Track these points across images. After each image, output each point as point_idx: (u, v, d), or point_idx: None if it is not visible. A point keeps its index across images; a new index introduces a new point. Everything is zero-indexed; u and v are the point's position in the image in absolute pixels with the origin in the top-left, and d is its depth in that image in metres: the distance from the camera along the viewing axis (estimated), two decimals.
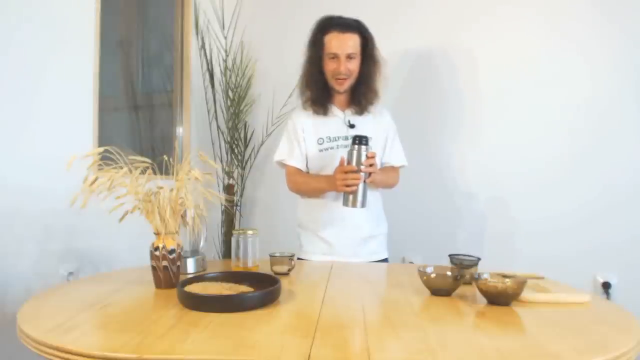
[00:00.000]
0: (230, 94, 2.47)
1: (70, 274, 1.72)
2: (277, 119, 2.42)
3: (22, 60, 1.60)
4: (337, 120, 1.67)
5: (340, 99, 1.68)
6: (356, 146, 1.46)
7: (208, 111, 2.47)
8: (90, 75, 1.85)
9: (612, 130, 1.95)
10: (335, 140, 1.66)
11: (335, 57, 1.59)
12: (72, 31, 1.78)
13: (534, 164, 2.06)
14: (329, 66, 1.62)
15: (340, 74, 1.60)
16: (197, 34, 2.43)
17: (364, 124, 1.66)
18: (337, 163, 1.62)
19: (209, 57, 2.43)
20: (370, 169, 1.46)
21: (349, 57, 1.59)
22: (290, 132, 1.70)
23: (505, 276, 1.11)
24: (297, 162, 1.67)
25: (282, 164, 1.72)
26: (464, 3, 2.17)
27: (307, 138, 1.67)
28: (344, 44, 1.58)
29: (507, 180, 2.10)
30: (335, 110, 1.69)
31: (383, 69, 1.66)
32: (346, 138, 1.65)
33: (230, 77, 2.47)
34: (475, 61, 2.16)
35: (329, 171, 1.64)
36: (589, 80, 1.98)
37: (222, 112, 2.50)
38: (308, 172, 1.69)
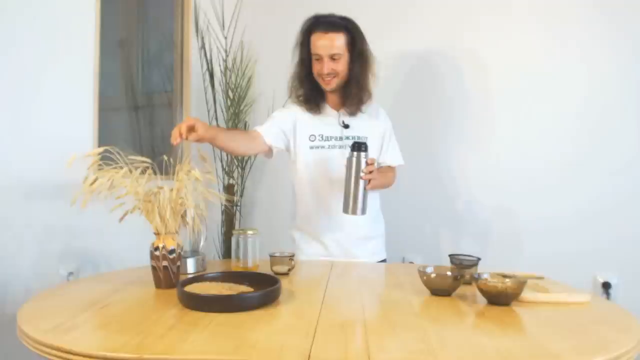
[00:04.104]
0: (230, 94, 2.47)
1: (70, 274, 1.72)
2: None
3: (22, 60, 1.60)
4: (332, 120, 1.66)
5: (333, 99, 1.67)
6: (355, 153, 1.45)
7: (208, 111, 2.47)
8: (90, 75, 1.85)
9: (613, 131, 1.94)
10: (328, 140, 1.65)
11: (319, 58, 1.57)
12: (72, 31, 1.78)
13: (534, 164, 2.06)
14: (315, 67, 1.60)
15: (323, 74, 1.58)
16: (197, 34, 2.43)
17: (359, 124, 1.65)
18: (331, 164, 1.62)
19: (209, 57, 2.43)
20: (370, 176, 1.45)
21: (333, 57, 1.56)
22: (277, 111, 1.70)
23: (505, 276, 1.11)
24: (263, 129, 1.61)
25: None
26: (465, 5, 2.17)
27: (298, 132, 1.65)
28: (326, 45, 1.55)
29: (508, 181, 2.10)
30: (329, 109, 1.68)
31: (374, 66, 1.63)
32: (340, 139, 1.64)
33: (230, 77, 2.47)
34: (476, 63, 2.16)
35: (323, 172, 1.63)
36: (589, 81, 1.98)
37: (222, 112, 2.50)
38: (260, 136, 1.60)
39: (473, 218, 2.17)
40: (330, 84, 1.60)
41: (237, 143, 1.57)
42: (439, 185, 2.24)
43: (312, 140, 1.64)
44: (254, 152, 1.67)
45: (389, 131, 1.73)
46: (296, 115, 1.66)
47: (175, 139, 1.27)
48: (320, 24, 1.58)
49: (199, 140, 1.34)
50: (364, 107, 1.66)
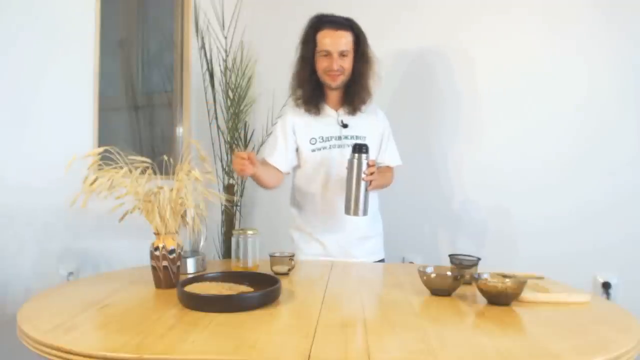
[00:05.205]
0: (230, 94, 2.47)
1: (70, 274, 1.72)
2: (277, 119, 2.41)
3: (23, 60, 1.60)
4: (330, 120, 1.66)
5: (333, 98, 1.67)
6: (356, 155, 1.45)
7: (208, 111, 2.47)
8: (90, 75, 1.85)
9: (612, 130, 1.94)
10: (328, 140, 1.65)
11: (328, 54, 1.58)
12: (72, 31, 1.78)
13: (533, 164, 2.06)
14: (322, 63, 1.60)
15: (332, 70, 1.59)
16: (197, 34, 2.43)
17: (358, 124, 1.66)
18: (330, 164, 1.63)
19: (209, 57, 2.43)
20: (371, 177, 1.46)
21: (342, 54, 1.58)
22: (278, 130, 1.68)
23: (505, 276, 1.11)
24: (275, 160, 1.64)
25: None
26: (464, 5, 2.17)
27: (299, 138, 1.65)
28: (336, 41, 1.57)
29: (507, 180, 2.10)
30: (328, 109, 1.68)
31: (376, 67, 1.65)
32: (339, 138, 1.64)
33: (230, 77, 2.47)
34: (475, 63, 2.16)
35: (322, 172, 1.64)
36: (587, 80, 1.98)
37: (222, 112, 2.50)
38: (278, 171, 1.65)
39: (473, 218, 2.17)
40: (336, 80, 1.61)
41: (269, 179, 1.61)
42: (439, 185, 2.24)
43: (313, 144, 1.65)
44: (279, 184, 1.68)
45: (387, 131, 1.73)
46: (293, 121, 1.67)
47: (243, 170, 1.41)
48: (328, 21, 1.59)
49: (254, 173, 1.47)
50: (363, 107, 1.66)
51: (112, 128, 2.12)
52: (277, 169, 1.64)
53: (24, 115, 1.60)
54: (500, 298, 1.05)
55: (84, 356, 0.75)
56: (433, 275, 1.17)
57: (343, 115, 1.67)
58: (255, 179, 1.55)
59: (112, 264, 1.82)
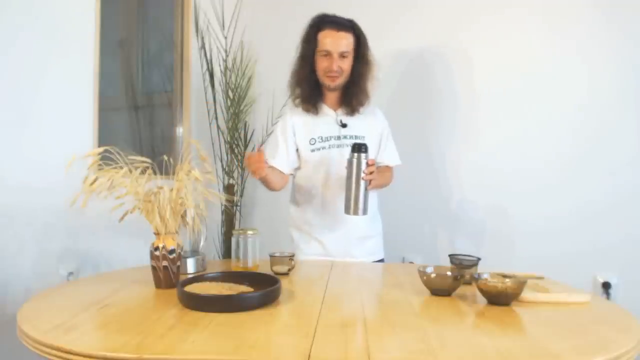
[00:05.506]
0: (230, 94, 2.47)
1: (70, 274, 1.72)
2: (277, 119, 2.42)
3: (23, 60, 1.60)
4: (329, 120, 1.66)
5: (332, 98, 1.67)
6: (356, 154, 1.46)
7: (208, 111, 2.47)
8: (90, 75, 1.85)
9: (612, 130, 1.94)
10: (327, 140, 1.65)
11: (328, 54, 1.58)
12: (72, 31, 1.78)
13: (533, 164, 2.06)
14: (321, 63, 1.61)
15: (332, 71, 1.59)
16: (197, 34, 2.43)
17: (356, 123, 1.66)
18: (330, 164, 1.63)
19: (209, 57, 2.43)
20: (370, 177, 1.46)
21: (342, 55, 1.58)
22: (278, 132, 1.69)
23: (505, 276, 1.11)
24: (278, 163, 1.65)
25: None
26: (464, 5, 2.17)
27: (298, 138, 1.66)
28: (337, 42, 1.57)
29: (507, 180, 2.10)
30: (326, 109, 1.68)
31: (375, 70, 1.65)
32: (338, 138, 1.65)
33: (230, 77, 2.47)
34: (475, 61, 2.16)
35: (322, 172, 1.64)
36: (587, 80, 1.98)
37: (222, 112, 2.50)
38: (282, 173, 1.66)
39: (473, 218, 2.17)
40: (335, 81, 1.61)
41: (277, 181, 1.64)
42: (438, 185, 2.24)
43: (313, 144, 1.65)
44: (285, 185, 1.71)
45: (386, 131, 1.73)
46: (293, 122, 1.67)
47: (258, 172, 1.43)
48: (330, 22, 1.60)
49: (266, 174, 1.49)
50: (361, 109, 1.66)
51: (112, 128, 2.12)
52: (281, 172, 1.65)
53: (24, 115, 1.60)
54: (500, 298, 1.05)
55: (84, 356, 0.75)
56: (433, 275, 1.17)
57: (342, 115, 1.67)
58: (265, 181, 1.56)
59: (112, 264, 1.82)
